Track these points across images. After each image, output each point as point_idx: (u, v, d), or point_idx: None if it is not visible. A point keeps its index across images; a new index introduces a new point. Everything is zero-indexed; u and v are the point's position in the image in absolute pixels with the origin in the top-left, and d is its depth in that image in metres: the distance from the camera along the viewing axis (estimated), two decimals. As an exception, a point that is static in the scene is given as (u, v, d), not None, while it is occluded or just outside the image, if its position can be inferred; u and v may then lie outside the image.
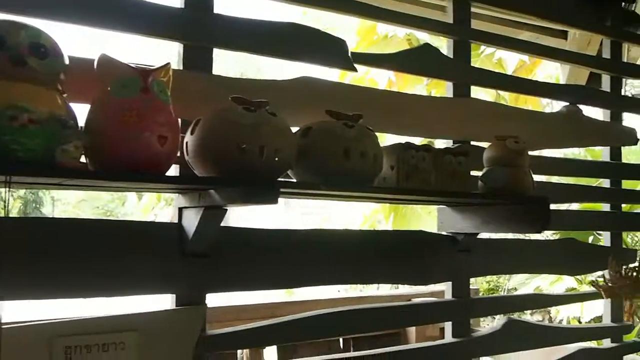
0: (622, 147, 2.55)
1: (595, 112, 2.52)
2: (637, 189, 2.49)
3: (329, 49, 1.63)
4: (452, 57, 1.91)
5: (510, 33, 2.49)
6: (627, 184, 2.54)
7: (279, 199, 1.16)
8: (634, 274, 1.99)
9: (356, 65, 1.68)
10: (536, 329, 2.17)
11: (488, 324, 3.63)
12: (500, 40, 2.15)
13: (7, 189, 1.02)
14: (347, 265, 1.69)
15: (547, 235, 5.04)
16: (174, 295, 1.39)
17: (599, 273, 2.47)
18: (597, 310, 4.41)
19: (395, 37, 4.97)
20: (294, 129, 1.33)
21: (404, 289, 3.00)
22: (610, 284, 2.13)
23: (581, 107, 2.34)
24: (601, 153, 2.47)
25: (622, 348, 2.40)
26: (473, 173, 1.74)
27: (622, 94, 2.62)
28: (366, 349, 1.87)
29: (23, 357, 1.17)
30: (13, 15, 1.16)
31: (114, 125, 1.05)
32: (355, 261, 1.71)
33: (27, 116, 0.93)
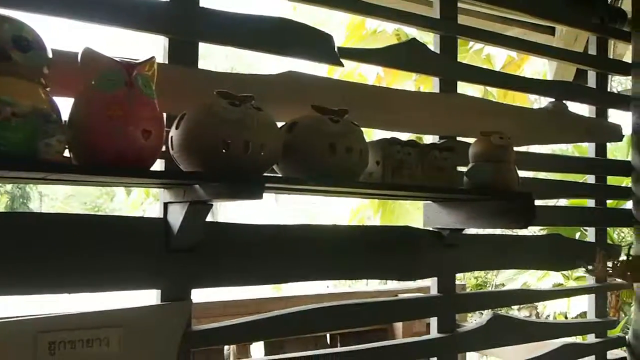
0: (608, 144, 2.58)
1: (581, 109, 2.54)
2: (623, 185, 2.51)
3: (316, 44, 1.63)
4: (438, 52, 1.92)
5: (498, 29, 2.50)
6: (614, 180, 2.57)
7: (269, 195, 1.16)
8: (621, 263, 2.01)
9: (344, 61, 1.68)
10: (521, 324, 2.18)
11: (475, 320, 3.64)
12: (487, 36, 2.16)
13: (-11, 183, 1.01)
14: (334, 260, 1.69)
15: (535, 231, 5.07)
16: (159, 290, 1.39)
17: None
18: (584, 306, 4.46)
19: (384, 33, 4.98)
20: (280, 124, 1.33)
21: (392, 285, 3.02)
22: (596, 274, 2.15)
23: (567, 103, 2.36)
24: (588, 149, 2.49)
25: (606, 343, 2.42)
26: (459, 169, 1.75)
27: (608, 90, 2.64)
28: (353, 344, 1.88)
29: (7, 353, 1.17)
30: (-5, 8, 1.15)
31: (98, 119, 1.05)
32: (342, 257, 1.71)
33: (10, 110, 0.92)
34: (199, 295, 1.49)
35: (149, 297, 1.41)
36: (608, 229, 2.45)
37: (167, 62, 1.41)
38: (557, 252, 2.25)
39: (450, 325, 1.91)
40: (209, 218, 1.36)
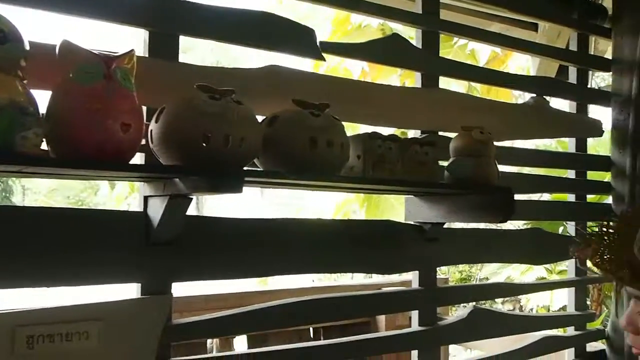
0: (592, 139, 2.61)
1: (562, 104, 2.56)
2: (605, 180, 2.53)
3: (298, 38, 1.63)
4: (420, 47, 1.92)
5: (481, 24, 2.51)
6: (596, 176, 2.59)
7: (254, 190, 1.16)
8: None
9: (328, 55, 1.68)
10: (502, 317, 2.20)
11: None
12: (470, 31, 2.16)
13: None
14: (317, 254, 1.70)
15: (519, 225, 5.12)
16: (139, 284, 1.38)
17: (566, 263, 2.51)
18: (566, 299, 4.50)
19: (369, 27, 4.98)
20: (262, 118, 1.33)
21: (376, 279, 3.03)
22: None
23: (549, 99, 2.38)
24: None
25: (585, 336, 2.45)
26: (440, 163, 1.76)
27: (590, 86, 2.67)
28: (336, 338, 1.88)
29: (-16, 347, 1.16)
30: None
31: (76, 112, 1.04)
32: (325, 250, 1.71)
33: (-15, 102, 0.92)
34: (181, 289, 1.49)
35: (129, 291, 1.41)
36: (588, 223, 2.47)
37: (147, 56, 1.40)
38: (537, 246, 2.27)
39: (431, 318, 1.93)
40: (193, 212, 1.36)
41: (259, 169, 1.34)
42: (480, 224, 2.31)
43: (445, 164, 1.70)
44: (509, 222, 1.76)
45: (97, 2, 1.34)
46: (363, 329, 2.45)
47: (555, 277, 5.32)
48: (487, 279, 6.84)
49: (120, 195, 10.55)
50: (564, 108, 2.52)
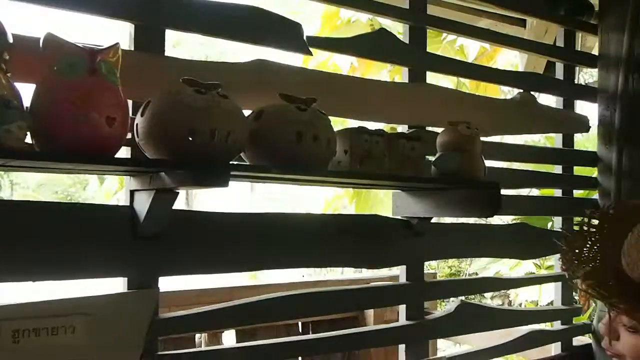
0: (581, 135, 2.63)
1: (549, 100, 2.58)
2: (593, 175, 2.55)
3: (285, 33, 1.62)
4: (408, 42, 1.93)
5: (469, 20, 2.52)
6: (585, 171, 2.61)
7: (244, 185, 1.16)
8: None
9: (316, 50, 1.68)
10: (489, 311, 2.22)
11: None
12: (458, 27, 2.16)
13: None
14: (304, 248, 1.70)
15: (508, 220, 5.14)
16: (126, 278, 1.38)
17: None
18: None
19: (358, 22, 4.98)
20: (249, 112, 1.33)
21: (366, 274, 3.04)
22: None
23: (536, 94, 2.39)
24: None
25: (572, 330, 2.47)
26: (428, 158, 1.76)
27: (577, 82, 2.68)
28: (325, 332, 1.89)
29: (-32, 342, 1.16)
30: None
31: (61, 105, 1.04)
32: (313, 245, 1.72)
33: (-33, 95, 0.91)
34: (171, 284, 1.49)
35: (116, 285, 1.41)
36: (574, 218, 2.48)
37: (132, 49, 1.40)
38: (524, 241, 2.29)
39: (418, 313, 1.94)
40: (183, 207, 1.36)
41: (245, 163, 1.33)
42: (469, 219, 2.32)
43: (432, 159, 1.70)
44: (497, 217, 1.77)
45: (83, -5, 1.33)
46: (351, 324, 2.45)
47: (544, 272, 5.35)
48: (476, 274, 6.87)
49: (109, 190, 10.49)
50: (552, 104, 2.54)
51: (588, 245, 1.14)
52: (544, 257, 5.02)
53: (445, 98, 2.02)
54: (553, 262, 2.53)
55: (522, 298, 6.09)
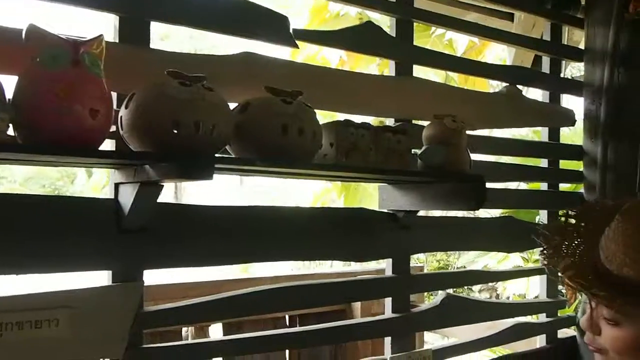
0: (569, 129, 2.64)
1: (537, 94, 2.59)
2: (580, 169, 2.57)
3: (270, 25, 1.62)
4: (394, 35, 1.93)
5: (457, 14, 2.52)
6: (571, 165, 2.63)
7: (236, 179, 1.16)
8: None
9: (304, 44, 1.67)
10: (474, 304, 2.24)
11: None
12: (445, 20, 2.17)
13: None
14: (291, 241, 1.70)
15: (496, 214, 5.17)
16: (110, 272, 1.38)
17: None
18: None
19: (347, 16, 4.97)
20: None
21: (354, 267, 3.05)
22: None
23: (525, 89, 2.40)
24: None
25: (556, 322, 2.49)
26: (413, 151, 1.77)
27: (564, 76, 2.69)
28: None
29: (-49, 335, 1.15)
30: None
31: (43, 97, 1.03)
32: (299, 238, 1.72)
33: (-52, 88, 0.90)
34: (159, 278, 1.48)
35: (101, 278, 1.41)
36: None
37: (117, 41, 1.39)
38: (510, 234, 2.30)
39: (404, 305, 1.95)
40: (172, 200, 1.35)
41: (229, 156, 1.33)
42: (458, 213, 2.33)
43: (418, 152, 1.71)
44: (485, 210, 1.78)
45: (67, -13, 1.32)
46: (339, 317, 2.46)
47: (531, 266, 5.38)
48: (464, 267, 6.90)
49: (97, 183, 10.45)
50: (538, 97, 2.55)
51: (566, 243, 1.16)
52: (531, 251, 5.05)
53: (432, 91, 2.02)
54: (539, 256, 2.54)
55: (510, 292, 6.13)
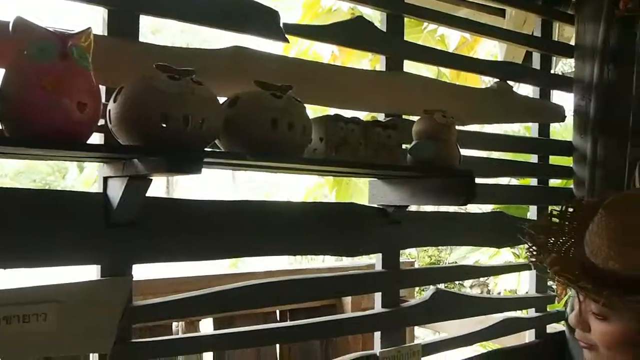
0: (559, 125, 2.65)
1: (528, 90, 2.59)
2: (570, 165, 2.58)
3: (260, 20, 1.61)
4: (385, 30, 1.93)
5: (448, 9, 2.52)
6: (561, 161, 2.63)
7: (228, 173, 1.16)
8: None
9: (295, 39, 1.67)
10: (464, 299, 2.24)
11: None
12: (436, 16, 2.16)
13: None
14: (281, 236, 1.70)
15: (488, 210, 5.19)
16: (99, 266, 1.37)
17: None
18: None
19: (340, 11, 4.95)
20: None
21: (346, 262, 3.05)
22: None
23: (517, 85, 2.40)
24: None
25: (545, 317, 2.51)
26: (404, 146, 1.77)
27: (556, 72, 2.70)
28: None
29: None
30: None
31: (31, 90, 1.02)
32: (289, 232, 1.72)
33: None
34: (149, 273, 1.47)
35: (90, 273, 1.40)
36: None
37: (106, 35, 1.38)
38: (499, 229, 2.31)
39: (394, 300, 1.95)
40: (164, 195, 1.35)
41: (218, 150, 1.33)
42: (450, 208, 2.34)
43: (408, 147, 1.71)
44: (477, 206, 1.79)
45: (55, -21, 1.31)
46: (329, 312, 2.47)
47: (521, 261, 5.40)
48: (456, 263, 6.93)
49: (89, 178, 10.40)
50: (529, 93, 2.56)
51: (551, 241, 1.16)
52: (522, 247, 5.07)
53: (423, 87, 2.02)
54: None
55: (501, 287, 6.16)
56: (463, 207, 2.37)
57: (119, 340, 1.36)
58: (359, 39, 1.87)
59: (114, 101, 1.17)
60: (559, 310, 2.61)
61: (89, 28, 1.12)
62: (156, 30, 11.35)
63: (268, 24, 1.62)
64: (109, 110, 1.18)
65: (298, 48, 4.98)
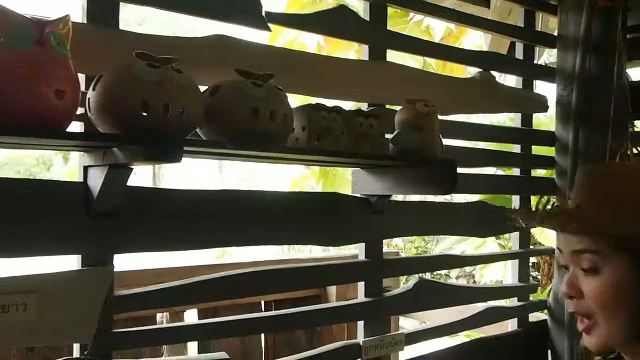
0: (543, 116, 2.67)
1: (511, 80, 2.60)
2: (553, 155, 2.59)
3: (242, 8, 1.61)
4: (368, 20, 1.92)
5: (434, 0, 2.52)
6: (544, 151, 2.65)
7: (214, 164, 1.15)
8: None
9: (281, 28, 1.66)
10: (447, 288, 2.26)
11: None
12: (420, 5, 2.16)
13: None
14: (265, 226, 1.70)
15: (473, 199, 5.22)
16: (80, 256, 1.36)
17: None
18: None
19: (325, 1, 4.94)
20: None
21: (333, 252, 3.06)
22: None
23: (502, 75, 2.41)
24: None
25: (528, 306, 2.53)
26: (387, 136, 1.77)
27: (540, 62, 2.71)
28: (288, 310, 1.90)
29: None
30: None
31: (7, 78, 1.01)
32: (273, 222, 1.72)
33: None
34: (132, 263, 1.45)
35: (70, 263, 1.39)
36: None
37: (85, 22, 1.37)
38: (482, 219, 2.32)
39: (377, 290, 1.96)
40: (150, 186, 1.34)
41: (199, 139, 1.32)
42: (436, 198, 2.35)
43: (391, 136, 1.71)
44: (463, 196, 1.79)
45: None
46: (314, 302, 2.47)
47: (506, 251, 5.45)
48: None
49: (74, 169, 10.30)
50: (512, 84, 2.57)
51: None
52: (507, 237, 5.11)
53: (406, 76, 2.02)
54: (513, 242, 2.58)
55: (487, 278, 6.21)
56: (448, 197, 2.38)
57: (100, 330, 1.35)
58: (341, 28, 1.87)
59: (94, 89, 1.16)
60: (541, 299, 2.64)
61: (67, 15, 1.11)
62: (142, 21, 11.25)
63: (250, 12, 1.62)
64: (89, 99, 1.17)
65: (284, 39, 4.97)
